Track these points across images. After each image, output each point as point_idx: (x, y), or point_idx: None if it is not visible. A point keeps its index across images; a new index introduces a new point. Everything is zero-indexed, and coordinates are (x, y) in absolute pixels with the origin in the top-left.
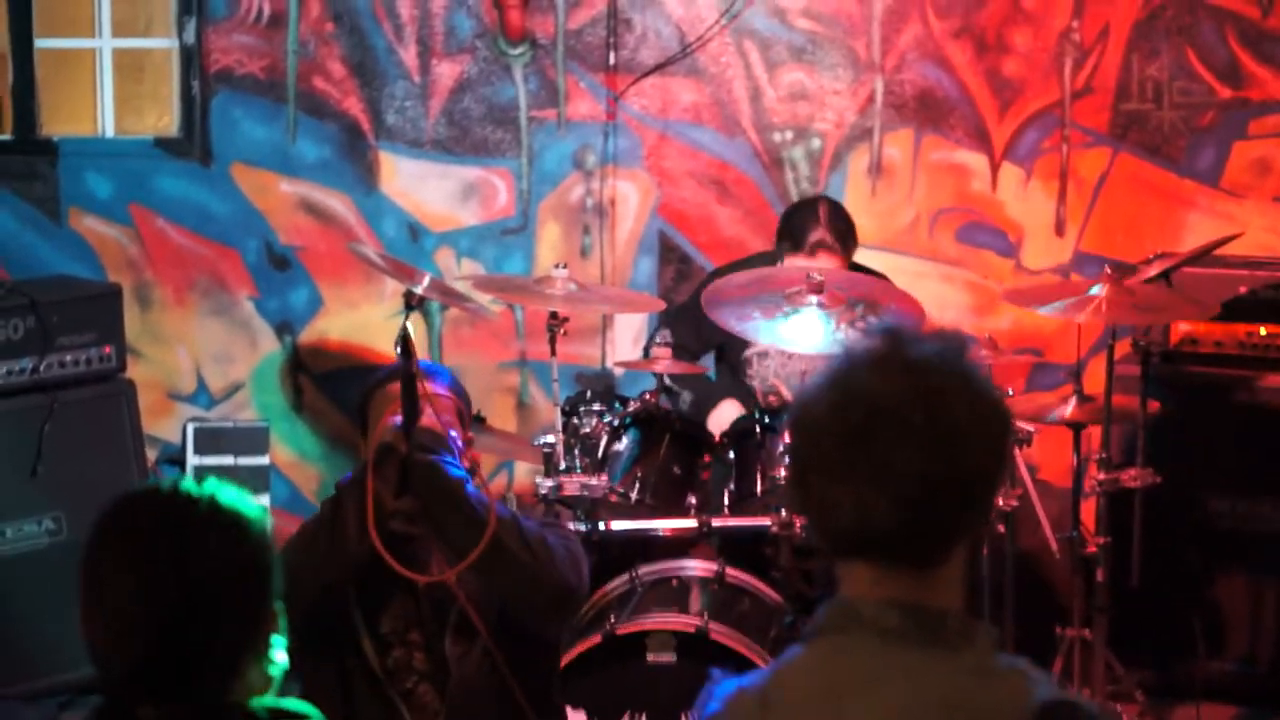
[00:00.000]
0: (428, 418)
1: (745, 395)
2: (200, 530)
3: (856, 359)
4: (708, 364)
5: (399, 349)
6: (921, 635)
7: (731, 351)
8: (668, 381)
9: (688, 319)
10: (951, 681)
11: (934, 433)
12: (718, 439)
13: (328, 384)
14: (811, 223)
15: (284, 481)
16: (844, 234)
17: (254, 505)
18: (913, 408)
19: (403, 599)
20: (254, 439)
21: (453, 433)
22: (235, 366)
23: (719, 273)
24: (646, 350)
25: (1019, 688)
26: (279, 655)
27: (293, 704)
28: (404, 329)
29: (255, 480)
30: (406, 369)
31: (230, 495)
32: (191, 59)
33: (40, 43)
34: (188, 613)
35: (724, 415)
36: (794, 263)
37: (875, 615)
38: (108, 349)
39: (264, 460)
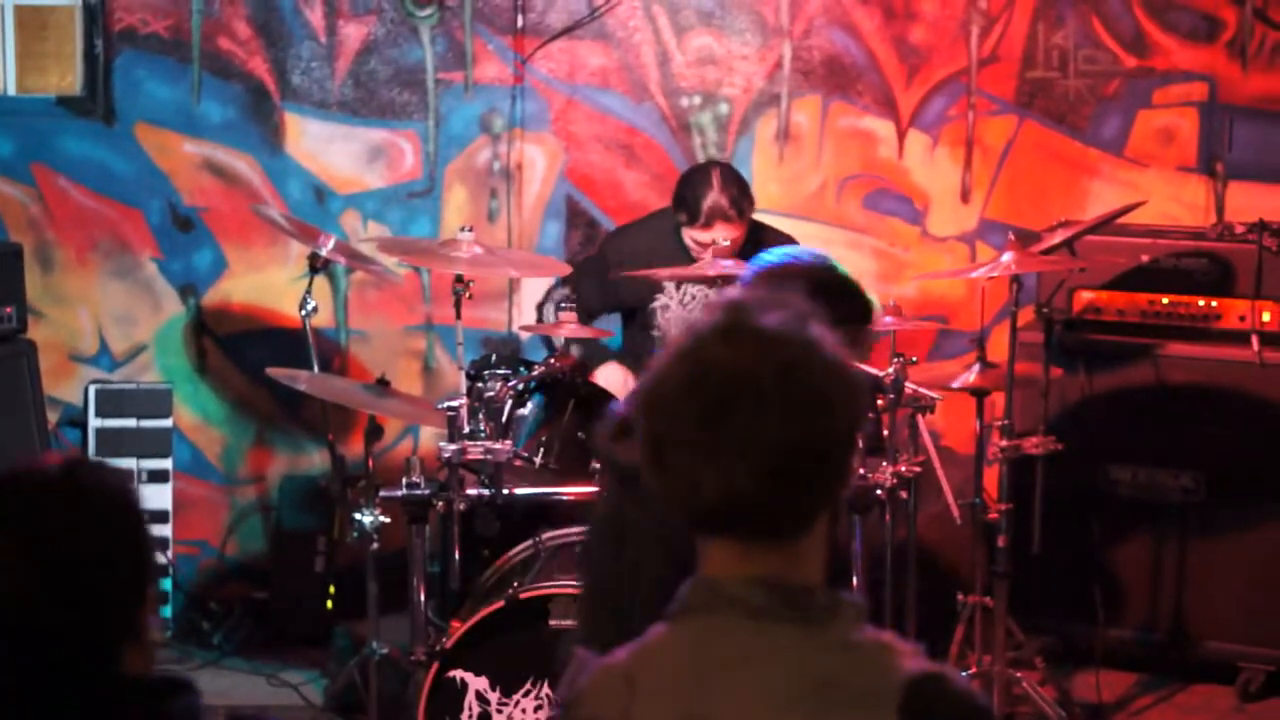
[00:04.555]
0: None
1: (643, 358)
2: (50, 515)
3: (703, 333)
4: (611, 326)
5: None
6: (787, 612)
7: (638, 306)
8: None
9: (592, 276)
10: (819, 659)
11: (792, 401)
12: None
13: (232, 346)
14: (705, 192)
15: (187, 445)
16: (738, 200)
17: (119, 484)
18: (769, 377)
19: None
20: (157, 401)
21: None
22: (138, 328)
23: (620, 232)
24: (540, 308)
25: (887, 662)
26: (156, 634)
27: (175, 677)
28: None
29: (158, 443)
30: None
31: (94, 473)
32: (95, 17)
33: None
34: (42, 598)
35: (607, 378)
36: (691, 235)
37: (740, 594)
38: (8, 309)
39: (167, 423)
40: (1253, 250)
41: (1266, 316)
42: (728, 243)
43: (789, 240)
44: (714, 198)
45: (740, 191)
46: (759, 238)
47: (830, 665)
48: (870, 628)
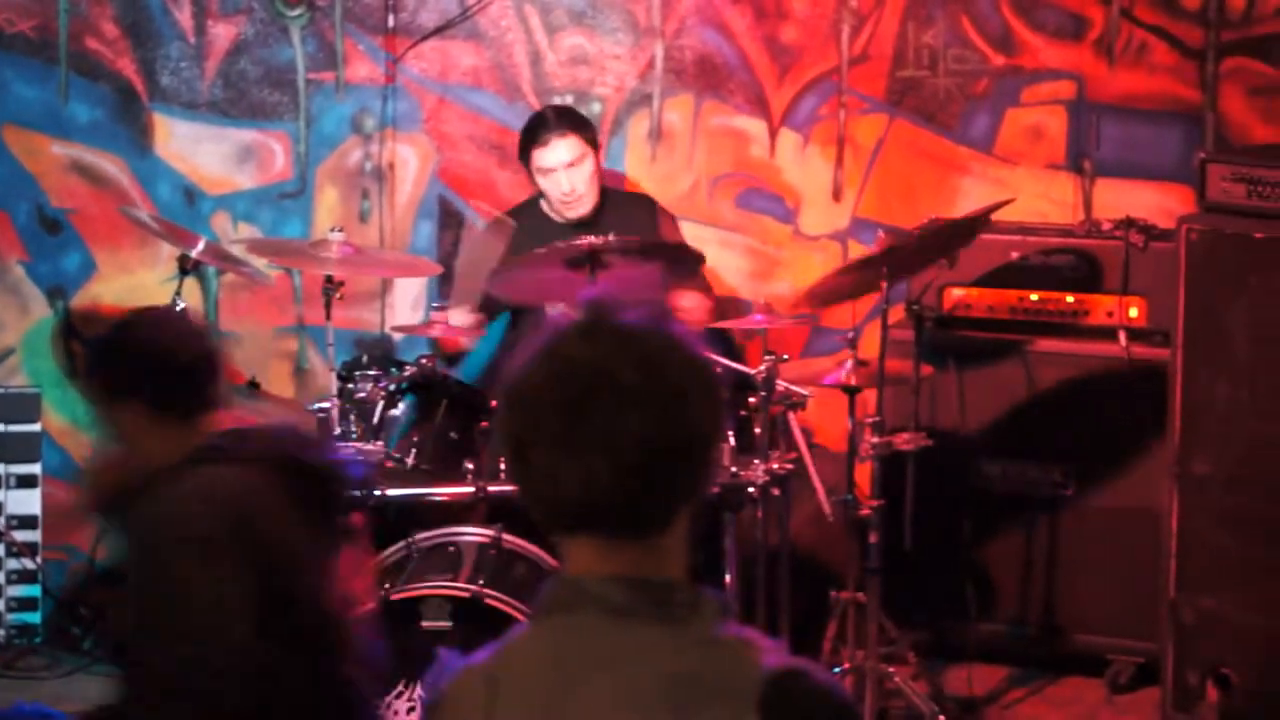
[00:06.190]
0: None
1: None
2: None
3: (564, 331)
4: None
5: None
6: (648, 610)
7: (527, 309)
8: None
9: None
10: (679, 656)
11: (652, 397)
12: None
13: None
14: (537, 119)
15: (56, 449)
16: (572, 117)
17: None
18: (629, 373)
19: None
20: (25, 405)
21: None
22: (5, 332)
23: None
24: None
25: (747, 658)
26: None
27: None
28: None
29: (26, 448)
30: None
31: None
32: None
33: None
34: None
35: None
36: (536, 164)
37: (601, 592)
38: None
39: (35, 427)
40: (1120, 246)
41: (1133, 312)
42: (571, 163)
43: (636, 198)
44: (544, 112)
45: (571, 113)
46: (609, 200)
47: (690, 663)
48: (732, 624)
